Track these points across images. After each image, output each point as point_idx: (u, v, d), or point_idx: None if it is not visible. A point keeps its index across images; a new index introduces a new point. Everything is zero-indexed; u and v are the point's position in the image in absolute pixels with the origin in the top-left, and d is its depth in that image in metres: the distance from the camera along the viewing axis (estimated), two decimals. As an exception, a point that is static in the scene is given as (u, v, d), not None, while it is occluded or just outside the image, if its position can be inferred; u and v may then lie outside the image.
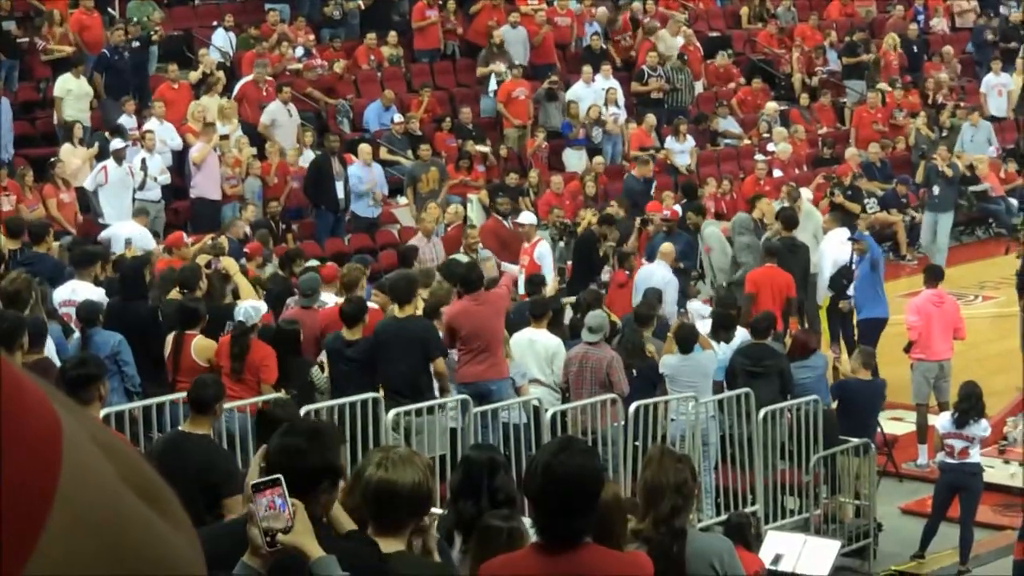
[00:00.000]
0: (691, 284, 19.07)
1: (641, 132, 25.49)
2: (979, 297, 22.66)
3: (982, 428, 14.22)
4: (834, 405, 15.03)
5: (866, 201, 23.82)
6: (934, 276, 17.45)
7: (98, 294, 13.55)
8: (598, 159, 24.24)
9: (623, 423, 13.35)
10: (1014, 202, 26.63)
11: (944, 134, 27.44)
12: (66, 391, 5.94)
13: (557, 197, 22.65)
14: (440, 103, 25.53)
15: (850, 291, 18.38)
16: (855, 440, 14.42)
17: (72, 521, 1.22)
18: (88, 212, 20.20)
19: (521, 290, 17.72)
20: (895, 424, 16.88)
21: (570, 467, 4.91)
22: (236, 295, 14.42)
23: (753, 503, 14.01)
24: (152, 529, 1.29)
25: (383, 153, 23.36)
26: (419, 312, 13.55)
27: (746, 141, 26.88)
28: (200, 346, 12.65)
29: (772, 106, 27.47)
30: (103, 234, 18.39)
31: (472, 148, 23.79)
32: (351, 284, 14.17)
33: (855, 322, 18.33)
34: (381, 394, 12.55)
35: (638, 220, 20.50)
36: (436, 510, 6.17)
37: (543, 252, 19.31)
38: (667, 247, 18.24)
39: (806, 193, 21.52)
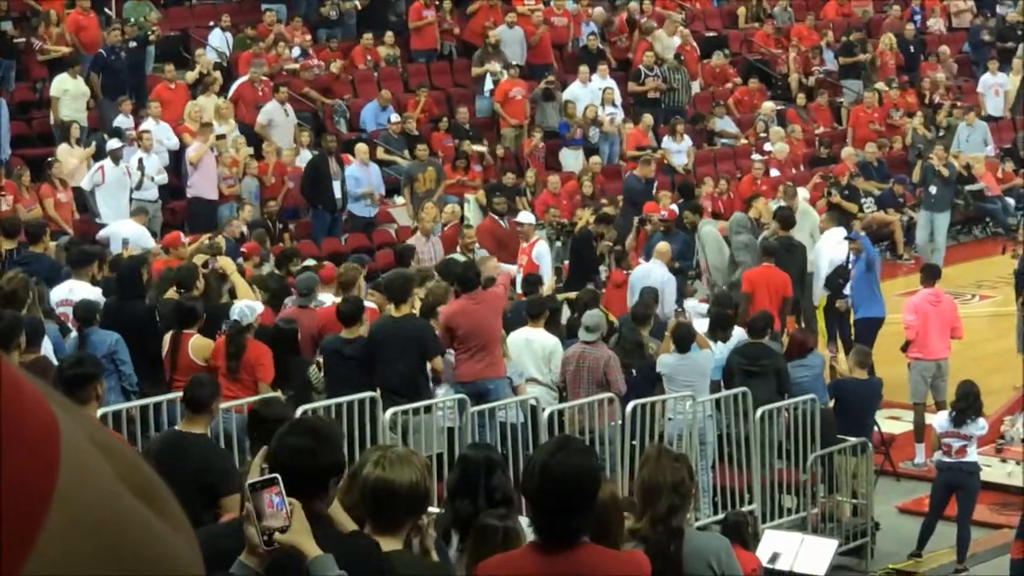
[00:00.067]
0: (688, 283, 19.09)
1: (638, 132, 25.50)
2: (976, 296, 22.67)
3: (979, 427, 14.23)
4: (831, 404, 15.04)
5: (863, 201, 23.84)
6: (931, 275, 17.46)
7: (95, 294, 13.55)
8: (595, 159, 24.24)
9: (620, 422, 13.35)
10: (1011, 201, 26.65)
11: (941, 134, 27.45)
12: (63, 390, 5.94)
13: (554, 197, 22.66)
14: (437, 103, 25.53)
15: (846, 290, 18.40)
16: (852, 439, 14.43)
17: (70, 521, 1.23)
18: (85, 212, 20.21)
19: (519, 289, 17.72)
20: (892, 423, 16.89)
21: (567, 466, 4.91)
22: (233, 295, 14.41)
23: (750, 502, 14.01)
24: (150, 529, 1.29)
25: (380, 153, 23.37)
26: (416, 311, 13.56)
27: (743, 141, 26.89)
28: (198, 345, 12.65)
29: (769, 106, 27.48)
30: (102, 232, 18.41)
31: (469, 148, 23.79)
32: (348, 284, 14.17)
33: (852, 321, 18.33)
34: (378, 393, 12.55)
35: (636, 220, 20.51)
36: (433, 509, 6.17)
37: (542, 252, 19.31)
38: (663, 246, 18.23)
39: (803, 193, 21.52)
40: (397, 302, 13.24)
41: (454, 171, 23.29)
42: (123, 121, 21.54)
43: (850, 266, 18.39)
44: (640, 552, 5.59)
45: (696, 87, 27.85)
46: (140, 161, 20.46)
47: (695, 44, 28.37)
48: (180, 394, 9.43)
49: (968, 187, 26.08)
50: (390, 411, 12.27)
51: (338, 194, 21.42)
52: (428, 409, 12.56)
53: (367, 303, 13.89)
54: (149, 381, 12.45)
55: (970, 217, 26.51)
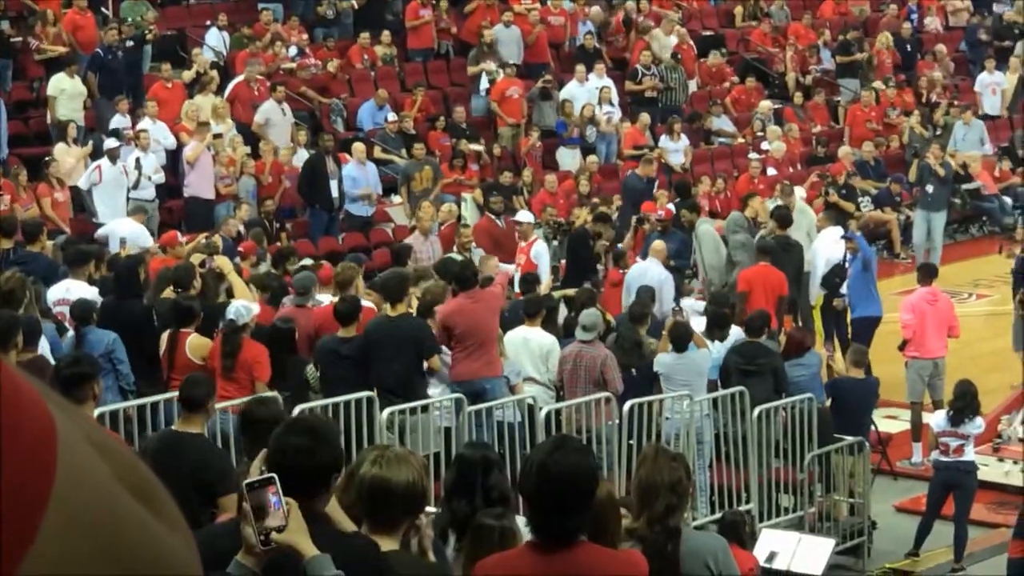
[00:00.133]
0: (685, 282, 19.09)
1: (635, 131, 25.51)
2: (973, 295, 22.68)
3: (977, 426, 14.24)
4: (828, 403, 15.04)
5: (860, 200, 23.84)
6: (928, 274, 17.47)
7: (92, 293, 13.55)
8: (592, 158, 24.26)
9: (617, 421, 13.35)
10: (1008, 200, 26.65)
11: (938, 133, 27.45)
12: (60, 390, 5.94)
13: (551, 196, 22.67)
14: (434, 102, 25.53)
15: (843, 289, 18.40)
16: (849, 438, 14.43)
17: (67, 521, 1.23)
18: (82, 211, 20.21)
19: (516, 288, 17.72)
20: (889, 422, 16.89)
21: (565, 466, 4.90)
22: (230, 294, 14.41)
23: (747, 501, 14.02)
24: (147, 529, 1.29)
25: (377, 152, 23.37)
26: (412, 311, 13.54)
27: (740, 140, 26.89)
28: (195, 344, 12.65)
29: (766, 105, 27.47)
30: (100, 231, 18.42)
31: (466, 147, 23.79)
32: (345, 283, 14.16)
33: (848, 320, 18.33)
34: (375, 393, 12.54)
35: (634, 219, 20.51)
36: (430, 508, 6.17)
37: (540, 251, 19.31)
38: (658, 245, 18.21)
39: (800, 191, 21.52)
40: (393, 301, 13.23)
41: (451, 170, 23.29)
42: (120, 120, 21.53)
43: (847, 265, 18.39)
44: (637, 552, 5.59)
45: (693, 86, 27.85)
46: (137, 160, 20.45)
47: (692, 43, 28.37)
48: (177, 393, 9.43)
49: (965, 186, 26.10)
50: (387, 411, 12.26)
51: (335, 193, 21.42)
52: (425, 408, 12.56)
53: (364, 302, 13.89)
54: (146, 380, 12.45)
55: (967, 216, 26.52)
